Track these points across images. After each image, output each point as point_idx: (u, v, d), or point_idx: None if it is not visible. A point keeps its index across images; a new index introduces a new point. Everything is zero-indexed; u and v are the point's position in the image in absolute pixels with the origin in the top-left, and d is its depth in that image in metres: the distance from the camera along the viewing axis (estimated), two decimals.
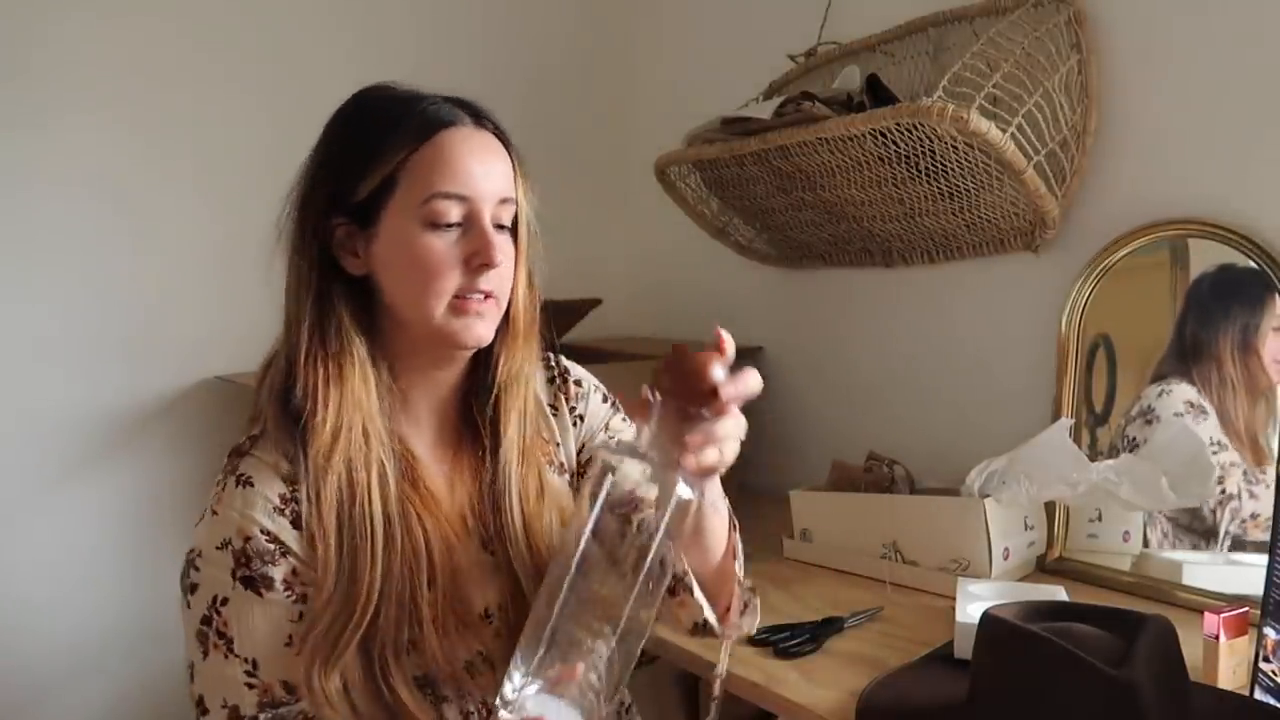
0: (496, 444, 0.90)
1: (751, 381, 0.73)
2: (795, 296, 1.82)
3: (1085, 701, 0.78)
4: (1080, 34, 1.31)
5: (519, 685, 0.70)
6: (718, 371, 0.70)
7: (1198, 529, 1.23)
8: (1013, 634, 0.86)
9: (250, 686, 0.79)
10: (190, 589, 0.81)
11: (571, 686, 0.70)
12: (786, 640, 1.13)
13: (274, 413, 0.84)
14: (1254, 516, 1.19)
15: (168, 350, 1.60)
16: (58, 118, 1.48)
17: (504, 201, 0.84)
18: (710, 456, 0.72)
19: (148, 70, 1.54)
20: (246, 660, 0.79)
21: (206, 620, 0.80)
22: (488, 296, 0.84)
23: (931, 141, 1.25)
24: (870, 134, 1.28)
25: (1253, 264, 1.19)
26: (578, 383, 1.01)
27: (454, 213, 0.81)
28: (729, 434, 0.73)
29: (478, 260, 0.82)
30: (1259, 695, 0.92)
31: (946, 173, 1.32)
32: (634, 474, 0.72)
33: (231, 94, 1.61)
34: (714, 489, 0.83)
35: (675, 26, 2.05)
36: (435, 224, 0.81)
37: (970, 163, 1.28)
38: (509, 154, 0.86)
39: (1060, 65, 1.29)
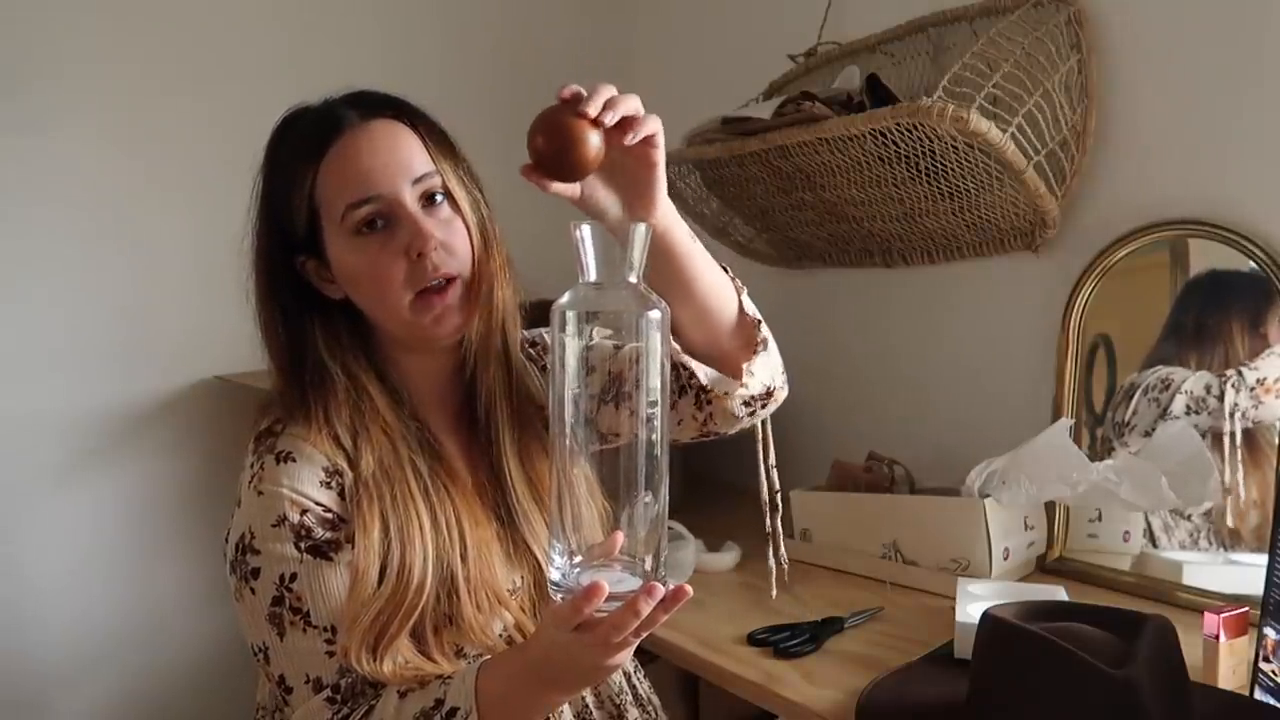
0: (485, 416, 0.91)
1: (629, 103, 0.74)
2: (795, 296, 1.82)
3: (1085, 701, 0.78)
4: (1080, 34, 1.31)
5: (561, 565, 0.69)
6: (590, 135, 0.71)
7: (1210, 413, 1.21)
8: (1013, 634, 0.86)
9: (330, 655, 0.79)
10: (251, 575, 0.80)
11: (615, 555, 0.69)
12: (786, 640, 1.13)
13: (286, 413, 0.85)
14: (1260, 382, 1.18)
15: (166, 350, 1.60)
16: (54, 122, 1.47)
17: (420, 179, 0.83)
18: (642, 129, 0.74)
19: (143, 75, 1.54)
20: (325, 629, 0.79)
21: (278, 601, 0.79)
22: (449, 282, 0.83)
23: (931, 141, 1.25)
24: (870, 134, 1.28)
25: (1252, 264, 1.19)
26: (533, 344, 1.02)
27: (373, 215, 0.82)
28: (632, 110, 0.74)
29: (413, 250, 0.82)
30: (1259, 695, 0.92)
31: (946, 173, 1.32)
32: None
33: (229, 94, 1.60)
34: (677, 227, 0.82)
35: (675, 26, 2.04)
36: (361, 233, 0.82)
37: (970, 163, 1.28)
38: (414, 129, 0.85)
39: (1060, 65, 1.29)
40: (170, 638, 1.64)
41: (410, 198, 0.82)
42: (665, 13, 2.06)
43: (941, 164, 1.30)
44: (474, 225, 0.86)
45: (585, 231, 0.68)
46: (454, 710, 0.75)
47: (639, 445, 0.68)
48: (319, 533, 0.80)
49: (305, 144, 0.83)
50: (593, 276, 0.69)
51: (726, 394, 0.88)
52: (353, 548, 0.80)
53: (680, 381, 0.89)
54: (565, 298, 0.69)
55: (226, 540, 0.83)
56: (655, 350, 0.68)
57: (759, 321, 0.90)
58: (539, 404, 0.96)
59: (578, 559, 0.70)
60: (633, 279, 0.69)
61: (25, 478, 1.50)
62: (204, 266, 1.57)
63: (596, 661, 0.70)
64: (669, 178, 1.68)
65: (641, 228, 0.68)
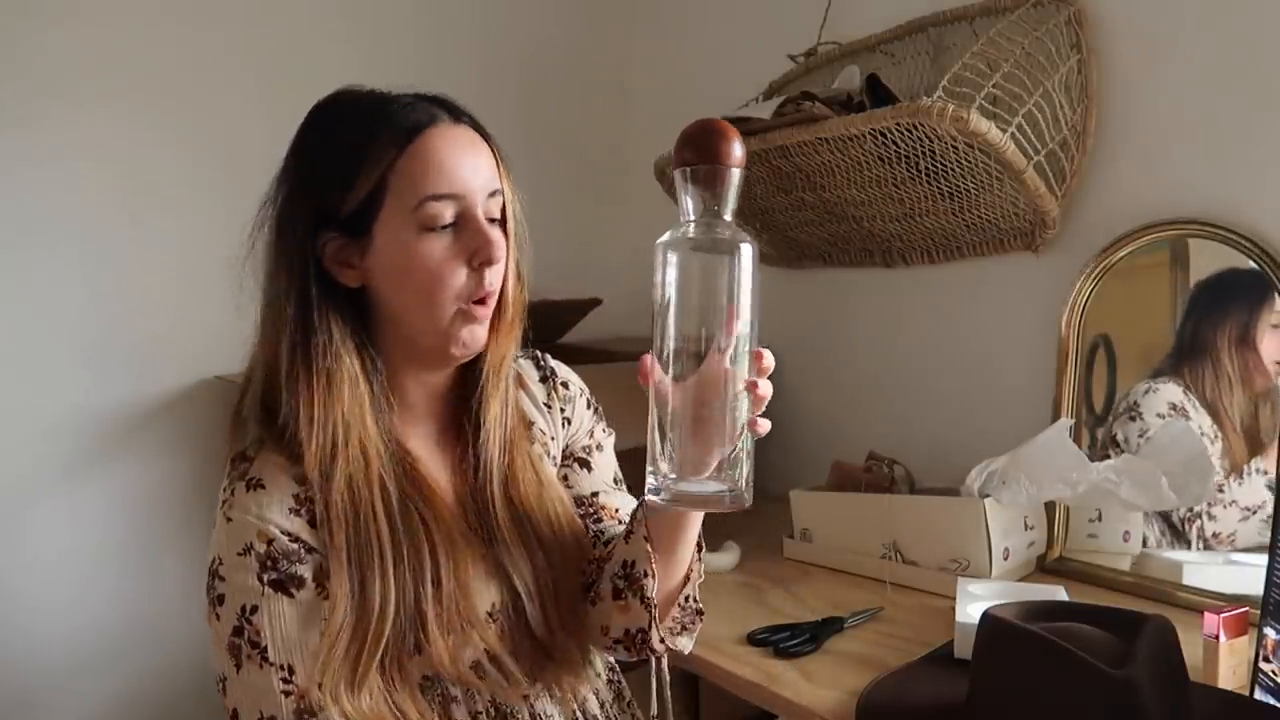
0: (476, 437, 0.90)
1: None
2: (795, 296, 1.82)
3: (1085, 701, 0.78)
4: (1080, 34, 1.31)
5: (659, 478, 0.74)
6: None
7: (1177, 534, 1.26)
8: (1013, 634, 0.86)
9: (286, 694, 0.77)
10: (217, 601, 0.79)
11: (707, 470, 0.74)
12: (786, 640, 1.13)
13: (262, 432, 0.83)
14: (1215, 535, 1.22)
15: (168, 350, 1.60)
16: (63, 118, 1.47)
17: (493, 194, 0.83)
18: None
19: (149, 70, 1.54)
20: (282, 667, 0.77)
21: (238, 631, 0.78)
22: (487, 298, 0.83)
23: (931, 141, 1.25)
24: (870, 134, 1.28)
25: (1253, 264, 1.19)
26: (565, 385, 1.01)
27: (448, 213, 0.80)
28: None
29: (479, 258, 0.81)
30: (1259, 695, 0.92)
31: (946, 173, 1.32)
32: None
33: (233, 93, 1.61)
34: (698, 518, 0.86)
35: (675, 26, 2.05)
36: (431, 227, 0.80)
37: (970, 163, 1.28)
38: (490, 146, 0.85)
39: (1060, 65, 1.29)
40: (171, 638, 1.64)
41: (483, 208, 0.82)
42: (665, 13, 2.06)
43: (941, 164, 1.30)
44: (514, 248, 0.86)
45: (686, 175, 0.75)
46: None
47: (729, 373, 0.74)
48: (283, 564, 0.78)
49: (394, 125, 0.80)
50: (691, 215, 0.75)
51: (635, 631, 0.90)
52: (316, 585, 0.79)
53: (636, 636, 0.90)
54: (667, 235, 0.75)
55: None
56: (746, 280, 0.74)
57: (698, 610, 0.92)
58: (531, 423, 0.96)
59: (672, 477, 0.74)
60: (727, 217, 0.75)
61: (25, 477, 1.50)
62: (205, 266, 1.57)
63: None
64: (669, 179, 1.68)
65: (735, 172, 0.74)
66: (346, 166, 0.80)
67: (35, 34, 1.45)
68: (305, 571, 0.79)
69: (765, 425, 0.76)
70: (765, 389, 0.76)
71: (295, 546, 0.79)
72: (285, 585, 0.78)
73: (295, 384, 0.80)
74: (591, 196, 2.06)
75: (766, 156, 1.44)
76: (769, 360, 0.76)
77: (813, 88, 1.46)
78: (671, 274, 0.73)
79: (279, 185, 0.83)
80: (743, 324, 0.74)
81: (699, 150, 0.74)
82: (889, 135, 1.26)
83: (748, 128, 1.44)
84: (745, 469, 0.75)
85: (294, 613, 0.78)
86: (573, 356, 1.20)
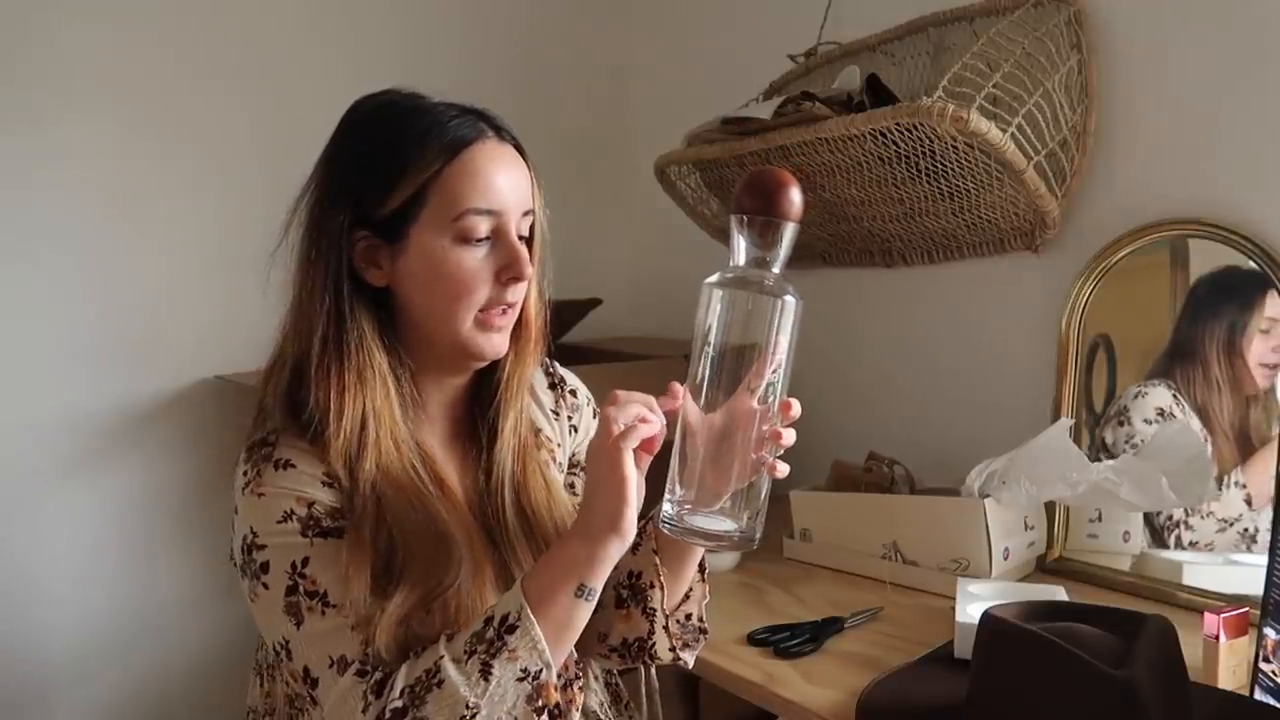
0: (492, 444, 0.91)
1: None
2: None
3: (1085, 701, 0.78)
4: (1080, 34, 1.31)
5: (675, 505, 0.76)
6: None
7: (1159, 540, 1.28)
8: (1013, 634, 0.86)
9: (354, 629, 0.78)
10: (261, 570, 0.79)
11: (718, 505, 0.76)
12: (786, 640, 1.13)
13: (286, 423, 0.83)
14: (1192, 544, 1.23)
15: (168, 350, 1.60)
16: (59, 119, 1.48)
17: (526, 213, 0.86)
18: None
19: (148, 71, 1.54)
20: (346, 606, 0.78)
21: (292, 589, 0.79)
22: (508, 309, 0.85)
23: (931, 141, 1.25)
24: (870, 134, 1.28)
25: (1253, 264, 1.19)
26: (573, 393, 1.03)
27: (484, 228, 0.82)
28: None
29: (508, 274, 0.83)
30: (1259, 695, 0.92)
31: (946, 173, 1.32)
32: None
33: (231, 93, 1.60)
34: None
35: (676, 26, 2.04)
36: (467, 239, 0.82)
37: (970, 163, 1.28)
38: (526, 165, 0.87)
39: (1060, 65, 1.29)
40: (171, 637, 1.64)
41: (516, 227, 0.84)
42: (665, 13, 2.06)
43: (941, 164, 1.30)
44: (537, 270, 0.88)
45: (741, 222, 0.77)
46: (505, 617, 0.74)
47: (756, 412, 0.76)
48: (327, 522, 0.80)
49: (441, 137, 0.82)
50: (741, 261, 0.77)
51: (633, 641, 0.92)
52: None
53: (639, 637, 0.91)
54: (715, 276, 0.77)
55: (232, 551, 0.83)
56: (785, 330, 0.77)
57: (703, 629, 0.93)
58: (538, 431, 0.97)
59: (688, 506, 0.76)
60: (776, 270, 0.77)
61: (26, 477, 1.50)
62: (208, 266, 1.57)
63: (608, 476, 0.74)
64: (669, 179, 1.68)
65: (792, 226, 0.76)
66: (389, 170, 0.82)
67: (26, 40, 1.45)
68: (347, 526, 0.80)
69: (784, 469, 0.77)
70: (789, 437, 0.78)
71: (338, 507, 0.81)
72: (333, 533, 0.80)
73: (326, 377, 0.82)
74: (591, 196, 2.07)
75: (766, 156, 1.44)
76: (796, 411, 0.79)
77: (813, 88, 1.46)
78: (715, 312, 0.75)
79: (317, 180, 0.85)
80: (776, 372, 0.76)
81: (758, 200, 0.75)
82: (889, 135, 1.26)
83: (748, 128, 1.44)
84: (758, 511, 0.76)
85: (344, 554, 0.79)
86: (572, 357, 1.20)
